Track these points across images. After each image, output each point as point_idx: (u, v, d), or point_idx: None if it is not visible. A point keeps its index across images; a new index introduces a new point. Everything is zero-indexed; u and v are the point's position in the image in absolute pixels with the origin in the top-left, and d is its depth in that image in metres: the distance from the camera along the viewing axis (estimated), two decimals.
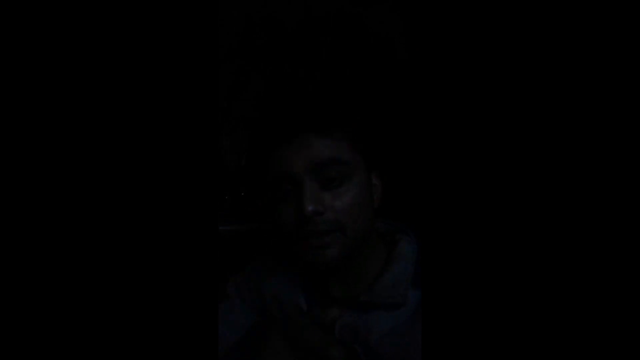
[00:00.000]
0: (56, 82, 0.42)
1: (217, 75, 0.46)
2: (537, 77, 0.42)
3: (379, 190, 0.66)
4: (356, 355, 0.57)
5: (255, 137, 0.64)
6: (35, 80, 0.42)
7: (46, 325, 0.40)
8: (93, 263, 0.41)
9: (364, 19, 1.36)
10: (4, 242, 0.40)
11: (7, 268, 0.40)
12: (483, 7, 0.43)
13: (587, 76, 0.41)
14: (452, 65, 0.44)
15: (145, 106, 0.43)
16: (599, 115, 0.41)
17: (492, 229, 0.42)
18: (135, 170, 0.43)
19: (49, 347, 0.40)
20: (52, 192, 0.41)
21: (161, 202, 0.43)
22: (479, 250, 0.41)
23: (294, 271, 0.69)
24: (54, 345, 0.40)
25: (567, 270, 0.40)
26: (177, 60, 0.44)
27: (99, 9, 0.43)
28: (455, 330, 0.41)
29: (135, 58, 0.43)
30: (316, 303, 0.65)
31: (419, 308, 0.59)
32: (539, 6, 0.42)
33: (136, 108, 0.43)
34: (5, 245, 0.40)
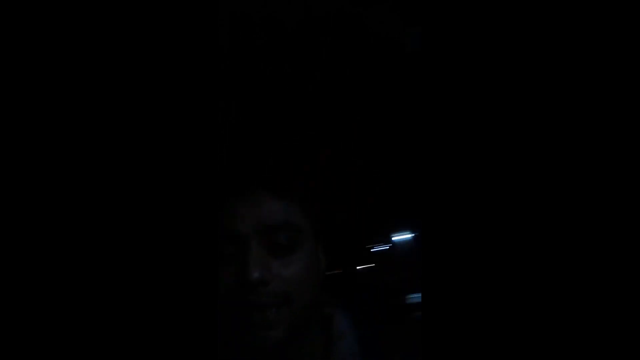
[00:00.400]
0: (56, 82, 0.42)
1: (217, 75, 0.46)
2: (541, 79, 0.42)
3: (324, 264, 0.59)
4: None
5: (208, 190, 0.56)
6: (34, 81, 0.42)
7: (45, 324, 0.40)
8: (92, 261, 0.41)
9: (364, 19, 1.36)
10: (4, 242, 0.40)
11: (7, 268, 0.40)
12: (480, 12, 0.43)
13: (581, 75, 0.41)
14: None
15: (144, 105, 0.43)
16: (599, 115, 0.41)
17: (491, 231, 0.41)
18: (135, 169, 0.42)
19: (48, 346, 0.40)
20: (51, 191, 0.41)
21: (161, 202, 0.43)
22: (477, 253, 0.41)
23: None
24: (52, 344, 0.40)
25: (567, 271, 0.40)
26: (176, 61, 0.44)
27: (99, 8, 0.43)
28: (455, 332, 0.41)
29: (133, 58, 0.43)
30: None
31: None
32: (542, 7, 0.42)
33: (134, 107, 0.43)
34: (5, 245, 0.40)
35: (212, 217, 0.44)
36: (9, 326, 0.39)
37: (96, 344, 0.40)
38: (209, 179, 0.44)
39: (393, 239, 5.09)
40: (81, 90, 0.42)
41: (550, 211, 0.41)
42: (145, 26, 0.44)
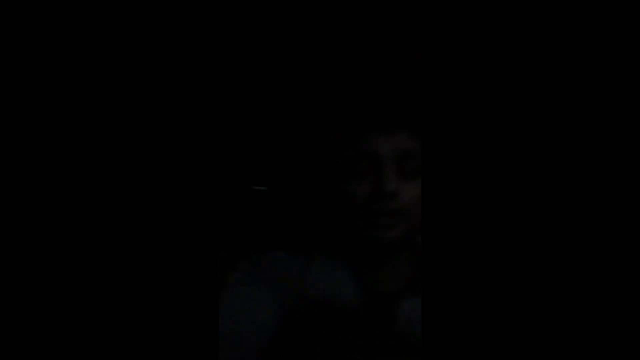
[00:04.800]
0: (56, 82, 0.42)
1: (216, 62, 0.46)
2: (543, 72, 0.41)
3: None
4: None
5: (345, 120, 0.67)
6: (34, 81, 0.42)
7: (42, 319, 0.40)
8: (92, 261, 0.41)
9: None
10: (4, 242, 0.40)
11: (7, 268, 0.40)
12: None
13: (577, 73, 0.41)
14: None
15: (143, 101, 0.43)
16: (599, 115, 0.40)
17: (491, 230, 0.42)
18: (135, 166, 0.43)
19: (48, 346, 0.40)
20: (51, 190, 0.41)
21: (161, 198, 0.43)
22: (481, 252, 0.42)
23: (337, 262, 0.68)
24: (52, 343, 0.40)
25: (567, 270, 0.40)
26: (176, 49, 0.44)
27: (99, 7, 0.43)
28: (456, 332, 0.41)
29: (132, 52, 0.43)
30: (369, 296, 0.66)
31: None
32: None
33: (134, 101, 0.43)
34: (5, 245, 0.40)
35: (211, 217, 0.44)
36: (9, 326, 0.40)
37: (96, 343, 0.41)
38: (208, 178, 0.44)
39: None
40: (78, 88, 0.42)
41: (549, 209, 0.41)
42: (143, 19, 0.43)
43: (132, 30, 0.43)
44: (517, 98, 0.42)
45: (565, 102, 0.41)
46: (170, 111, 0.44)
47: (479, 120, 0.42)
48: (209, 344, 0.42)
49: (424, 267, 0.43)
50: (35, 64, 0.42)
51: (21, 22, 0.42)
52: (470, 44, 0.43)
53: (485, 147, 0.42)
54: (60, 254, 0.41)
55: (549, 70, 0.41)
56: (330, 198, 0.67)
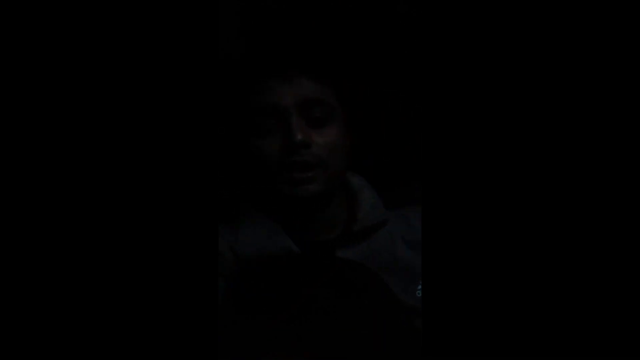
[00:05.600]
0: (56, 81, 0.42)
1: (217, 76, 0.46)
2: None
3: (353, 141, 0.67)
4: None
5: (242, 67, 0.65)
6: (34, 81, 0.42)
7: (45, 322, 0.41)
8: (91, 260, 0.41)
9: None
10: (4, 242, 0.40)
11: (7, 268, 0.40)
12: None
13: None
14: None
15: (143, 100, 0.43)
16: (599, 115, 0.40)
17: (490, 230, 0.42)
18: (135, 165, 0.43)
19: (48, 346, 0.40)
20: (51, 190, 0.41)
21: (160, 198, 0.43)
22: (478, 245, 0.42)
23: (268, 216, 0.65)
24: (52, 343, 0.40)
25: (566, 270, 0.40)
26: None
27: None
28: (456, 326, 0.41)
29: (133, 52, 0.43)
30: (305, 247, 0.64)
31: (394, 218, 0.65)
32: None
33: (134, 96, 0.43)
34: (5, 245, 0.40)
35: (211, 217, 0.45)
36: (9, 326, 0.40)
37: (96, 343, 0.41)
38: (208, 176, 0.45)
39: None
40: (81, 89, 0.42)
41: (549, 207, 0.41)
42: (142, 16, 0.43)
43: (132, 30, 0.43)
44: (517, 98, 0.42)
45: (565, 102, 0.41)
46: (170, 111, 0.44)
47: (479, 120, 0.42)
48: (209, 344, 0.42)
49: (424, 260, 0.43)
50: (35, 63, 0.42)
51: (21, 22, 0.42)
52: (470, 44, 0.43)
53: (485, 147, 0.42)
54: (60, 254, 0.41)
55: (548, 70, 0.42)
56: (243, 157, 0.63)
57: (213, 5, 0.46)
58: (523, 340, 0.40)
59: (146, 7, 0.43)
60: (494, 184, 0.42)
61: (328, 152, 0.61)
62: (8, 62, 0.41)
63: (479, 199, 0.42)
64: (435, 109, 0.43)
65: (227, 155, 0.65)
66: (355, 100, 0.69)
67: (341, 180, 0.66)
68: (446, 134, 0.43)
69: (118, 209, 0.42)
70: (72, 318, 0.41)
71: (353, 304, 0.56)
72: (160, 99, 0.44)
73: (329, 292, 0.56)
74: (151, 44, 0.44)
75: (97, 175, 0.42)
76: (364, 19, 0.86)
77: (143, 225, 0.42)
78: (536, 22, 0.42)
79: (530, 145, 0.41)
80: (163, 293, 0.42)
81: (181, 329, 0.42)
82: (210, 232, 0.44)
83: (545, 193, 0.41)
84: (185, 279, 0.43)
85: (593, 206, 0.40)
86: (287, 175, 0.60)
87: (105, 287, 0.41)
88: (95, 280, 0.41)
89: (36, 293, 0.40)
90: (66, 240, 0.41)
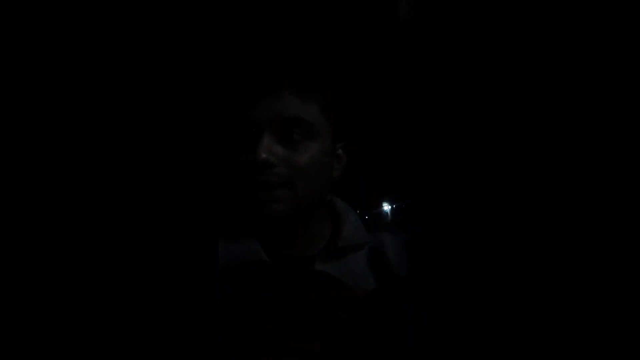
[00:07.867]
0: (55, 81, 0.42)
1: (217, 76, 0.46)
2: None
3: (343, 162, 0.66)
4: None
5: (230, 77, 0.63)
6: (34, 81, 0.42)
7: (45, 322, 0.40)
8: (91, 260, 0.41)
9: None
10: (4, 242, 0.40)
11: (7, 268, 0.40)
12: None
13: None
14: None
15: (143, 100, 0.43)
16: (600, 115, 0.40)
17: (490, 229, 0.42)
18: (135, 165, 0.43)
19: (48, 346, 0.40)
20: (50, 192, 0.41)
21: (161, 200, 0.43)
22: (476, 246, 0.42)
23: (243, 233, 0.63)
24: (52, 342, 0.40)
25: (566, 270, 0.40)
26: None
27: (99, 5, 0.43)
28: (455, 330, 0.41)
29: (133, 52, 0.43)
30: (282, 262, 0.62)
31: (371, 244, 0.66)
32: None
33: (133, 98, 0.43)
34: (5, 245, 0.40)
35: (211, 217, 0.44)
36: (9, 326, 0.39)
37: (95, 343, 0.41)
38: (208, 176, 0.45)
39: None
40: (81, 89, 0.42)
41: (549, 206, 0.41)
42: (142, 16, 0.43)
43: (132, 30, 0.43)
44: (517, 98, 0.42)
45: (565, 102, 0.41)
46: (170, 110, 0.44)
47: (479, 120, 0.42)
48: (208, 344, 0.42)
49: (424, 263, 0.43)
50: (35, 63, 0.42)
51: (21, 22, 0.42)
52: (470, 45, 0.43)
53: (484, 147, 0.42)
54: (60, 255, 0.41)
55: (548, 70, 0.42)
56: (225, 170, 0.61)
57: (212, 9, 0.46)
58: (523, 340, 0.40)
59: (146, 8, 0.43)
60: (494, 184, 0.42)
61: (298, 172, 0.58)
62: (8, 62, 0.41)
63: (479, 199, 0.42)
64: (435, 108, 0.43)
65: (218, 162, 0.65)
66: (345, 112, 0.67)
67: (320, 199, 0.64)
68: (446, 133, 0.43)
69: (118, 209, 0.42)
70: (72, 318, 0.41)
71: (325, 314, 0.57)
72: (161, 98, 0.44)
73: (303, 302, 0.58)
74: (151, 45, 0.43)
75: (97, 175, 0.42)
76: (364, 19, 0.86)
77: (143, 225, 0.42)
78: (536, 23, 0.42)
79: (530, 146, 0.41)
80: (163, 293, 0.42)
81: (181, 329, 0.42)
82: (210, 232, 0.44)
83: (545, 193, 0.41)
84: (185, 279, 0.43)
85: (593, 207, 0.40)
86: (254, 194, 0.58)
87: (105, 287, 0.41)
88: (95, 281, 0.41)
89: (36, 293, 0.40)
90: (66, 241, 0.41)
